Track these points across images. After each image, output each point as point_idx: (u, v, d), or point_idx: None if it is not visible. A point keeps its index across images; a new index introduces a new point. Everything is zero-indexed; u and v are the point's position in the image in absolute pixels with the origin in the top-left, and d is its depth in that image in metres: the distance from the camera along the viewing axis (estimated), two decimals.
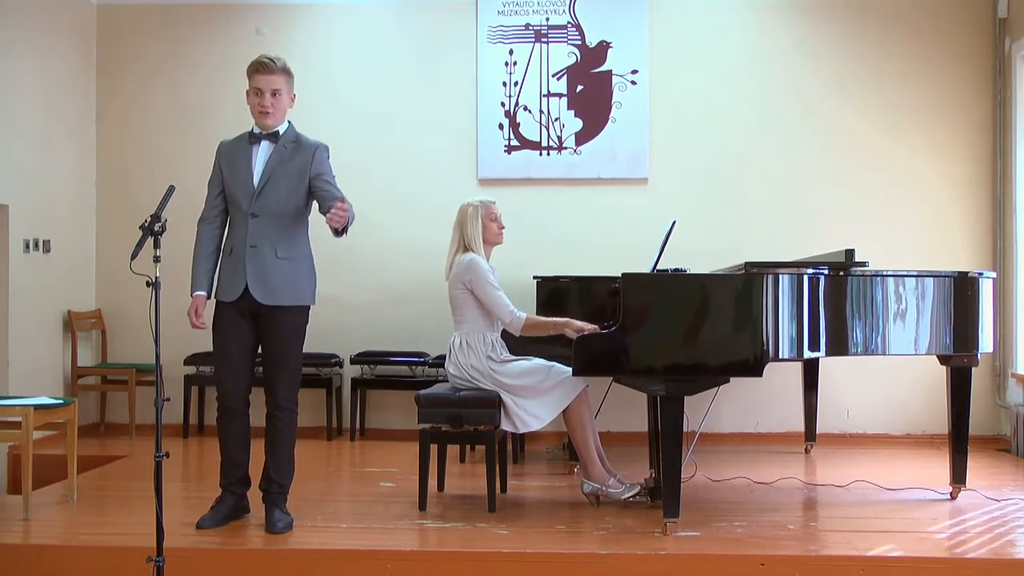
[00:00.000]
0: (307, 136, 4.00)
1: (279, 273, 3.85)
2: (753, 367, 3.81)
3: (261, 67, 3.89)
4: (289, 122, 3.98)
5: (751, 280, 3.84)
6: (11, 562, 3.63)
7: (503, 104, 6.51)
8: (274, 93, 3.88)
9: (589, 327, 4.09)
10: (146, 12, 6.70)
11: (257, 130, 3.93)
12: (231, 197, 3.91)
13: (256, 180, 3.87)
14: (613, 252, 6.12)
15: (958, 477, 4.48)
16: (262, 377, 3.94)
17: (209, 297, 3.95)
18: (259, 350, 3.97)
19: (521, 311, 4.31)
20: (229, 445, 3.98)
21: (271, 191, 3.86)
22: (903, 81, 6.36)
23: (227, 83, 6.52)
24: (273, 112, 3.88)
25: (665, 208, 6.05)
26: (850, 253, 4.15)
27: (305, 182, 3.90)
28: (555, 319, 4.28)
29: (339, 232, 3.78)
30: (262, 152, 3.91)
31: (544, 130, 6.50)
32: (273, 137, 3.91)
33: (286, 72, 3.93)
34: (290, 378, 3.94)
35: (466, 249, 4.41)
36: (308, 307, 3.98)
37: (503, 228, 4.52)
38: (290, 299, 3.87)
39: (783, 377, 5.96)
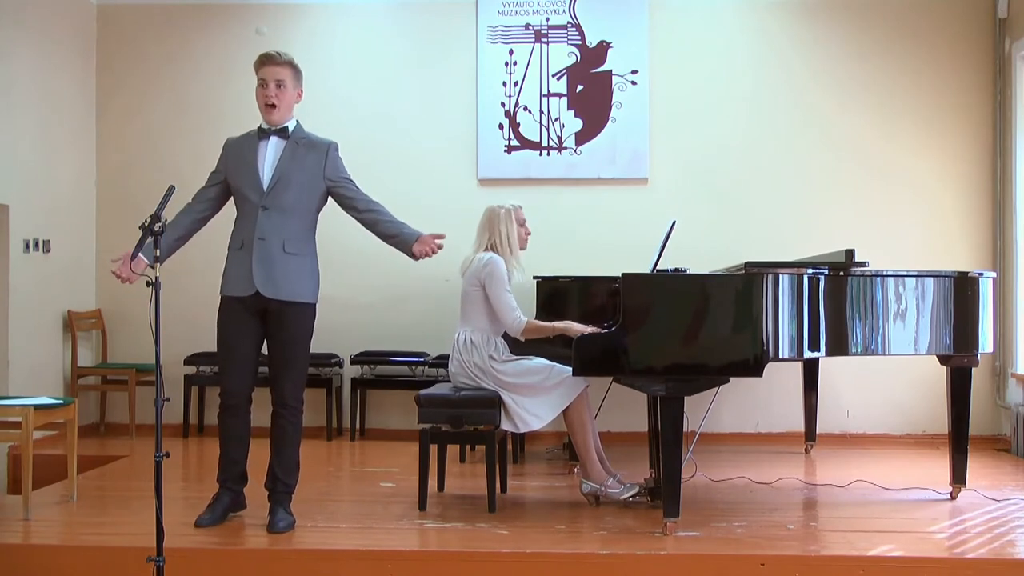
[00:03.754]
0: (315, 134, 4.01)
1: (285, 267, 3.83)
2: (753, 367, 3.81)
3: (266, 59, 3.91)
4: (297, 120, 3.98)
5: (751, 280, 3.84)
6: (11, 562, 3.63)
7: (503, 104, 6.51)
8: (279, 84, 3.88)
9: (589, 328, 4.10)
10: (146, 12, 6.71)
11: (265, 126, 3.93)
12: (237, 191, 3.92)
13: (267, 174, 3.86)
14: (613, 252, 6.12)
15: (958, 477, 4.48)
16: (268, 376, 3.93)
17: (152, 266, 3.64)
18: (263, 349, 3.97)
19: (523, 316, 4.31)
20: (229, 443, 3.98)
21: (284, 186, 3.85)
22: (903, 81, 6.36)
23: (227, 83, 6.54)
24: (278, 104, 3.87)
25: (665, 208, 6.05)
26: (850, 253, 4.14)
27: (320, 182, 3.92)
28: (555, 323, 4.29)
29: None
30: (272, 147, 3.90)
31: (544, 130, 6.50)
32: (282, 133, 3.91)
33: (292, 66, 3.93)
34: (297, 377, 3.93)
35: (490, 250, 4.41)
36: (314, 305, 3.97)
37: (529, 233, 4.55)
38: (295, 294, 3.85)
39: (783, 377, 5.96)
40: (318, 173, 3.91)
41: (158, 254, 3.27)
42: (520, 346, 4.56)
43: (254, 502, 4.07)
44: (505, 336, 4.46)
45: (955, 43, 6.35)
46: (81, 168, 6.61)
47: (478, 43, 6.53)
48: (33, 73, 6.06)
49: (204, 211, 4.00)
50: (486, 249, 4.43)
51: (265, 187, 3.85)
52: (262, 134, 3.93)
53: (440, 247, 3.92)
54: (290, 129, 3.93)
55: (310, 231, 3.95)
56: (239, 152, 3.94)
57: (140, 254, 3.59)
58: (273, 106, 3.88)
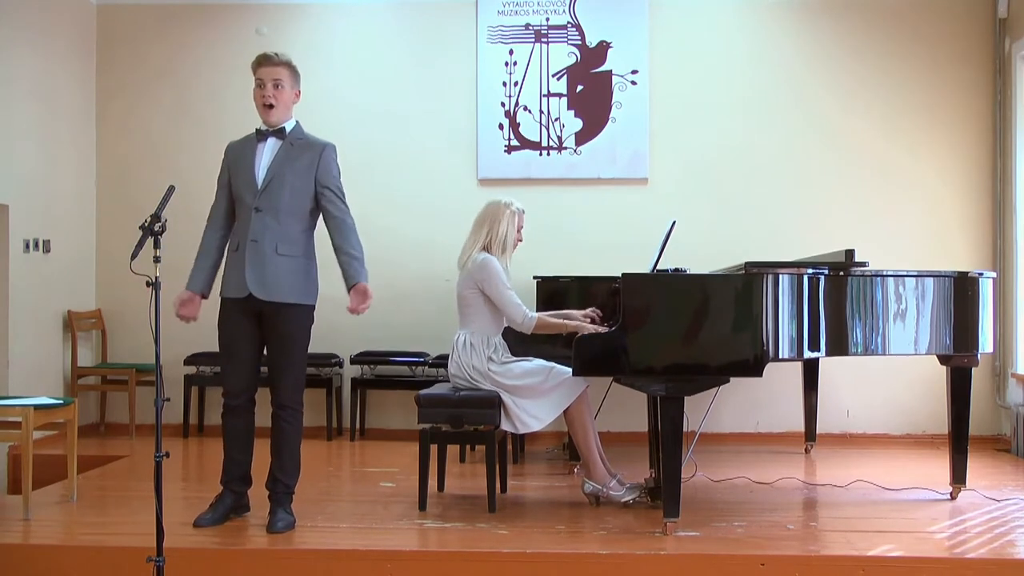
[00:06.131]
0: (315, 135, 4.00)
1: (277, 269, 3.82)
2: (753, 367, 3.81)
3: (264, 59, 3.91)
4: (296, 120, 3.98)
5: (751, 280, 3.84)
6: (11, 562, 3.63)
7: (503, 104, 6.51)
8: (276, 84, 3.87)
9: (602, 328, 4.10)
10: (146, 12, 6.70)
11: (263, 127, 3.92)
12: (236, 193, 3.91)
13: (261, 175, 3.85)
14: (613, 252, 6.12)
15: (958, 477, 4.48)
16: (267, 377, 3.94)
17: (205, 296, 3.97)
18: (264, 350, 3.97)
19: (533, 312, 4.31)
20: (232, 443, 3.98)
21: (276, 187, 3.84)
22: (903, 81, 6.36)
23: (227, 83, 6.53)
24: (276, 104, 3.86)
25: (665, 208, 6.05)
26: (850, 253, 4.15)
27: (312, 184, 3.89)
28: (567, 322, 4.28)
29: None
30: (268, 148, 3.90)
31: (544, 130, 6.50)
32: (279, 134, 3.90)
33: (289, 66, 3.93)
34: (295, 378, 3.92)
35: (484, 248, 4.39)
36: (311, 307, 3.96)
37: (520, 241, 4.52)
38: (286, 296, 3.84)
39: (783, 377, 5.95)
40: (310, 174, 3.88)
41: (157, 253, 3.27)
42: (520, 347, 4.55)
43: (255, 503, 4.07)
44: (505, 335, 4.45)
45: (955, 43, 6.35)
46: (81, 168, 6.60)
47: (478, 43, 6.52)
48: (33, 73, 6.05)
49: (226, 226, 3.99)
50: (480, 246, 4.39)
51: (258, 188, 3.85)
52: (260, 136, 3.92)
53: (361, 312, 3.89)
54: (287, 129, 3.92)
55: (306, 232, 3.93)
56: (239, 155, 3.94)
57: (188, 288, 3.92)
58: (271, 106, 3.87)
